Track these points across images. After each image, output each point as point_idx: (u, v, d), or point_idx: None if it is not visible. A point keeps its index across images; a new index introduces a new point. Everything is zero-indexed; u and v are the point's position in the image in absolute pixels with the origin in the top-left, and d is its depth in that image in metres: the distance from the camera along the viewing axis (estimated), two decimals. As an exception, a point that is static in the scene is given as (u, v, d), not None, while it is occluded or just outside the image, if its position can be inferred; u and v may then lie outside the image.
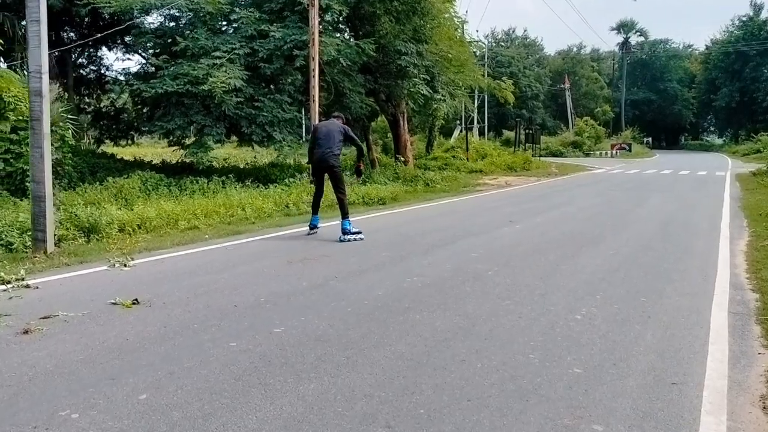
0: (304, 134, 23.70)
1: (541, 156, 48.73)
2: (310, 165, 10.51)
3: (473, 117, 53.32)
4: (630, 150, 52.96)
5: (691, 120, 78.43)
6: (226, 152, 32.36)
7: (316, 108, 14.69)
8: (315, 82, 14.68)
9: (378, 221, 10.73)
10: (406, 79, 18.22)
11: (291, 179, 15.59)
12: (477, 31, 44.63)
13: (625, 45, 74.96)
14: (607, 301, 5.25)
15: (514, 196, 16.19)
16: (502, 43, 74.64)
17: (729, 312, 4.99)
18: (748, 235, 9.03)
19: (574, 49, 77.28)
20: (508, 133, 53.41)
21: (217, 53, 15.28)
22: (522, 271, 6.41)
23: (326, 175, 8.88)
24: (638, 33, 74.73)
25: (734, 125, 67.50)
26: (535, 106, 69.99)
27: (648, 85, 77.20)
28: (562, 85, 63.67)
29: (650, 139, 69.50)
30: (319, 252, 7.40)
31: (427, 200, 15.02)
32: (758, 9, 63.38)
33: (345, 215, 8.53)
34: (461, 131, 46.53)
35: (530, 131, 38.28)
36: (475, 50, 57.35)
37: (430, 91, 18.03)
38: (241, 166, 20.65)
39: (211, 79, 14.32)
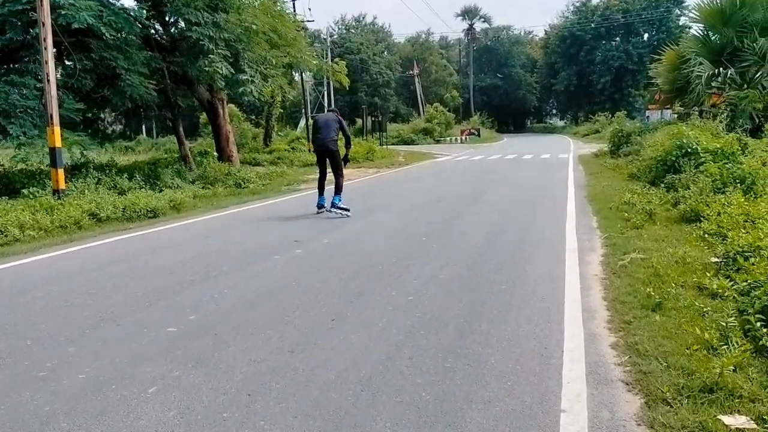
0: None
1: (390, 144, 46.98)
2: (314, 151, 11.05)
3: (323, 105, 50.37)
4: (479, 135, 52.90)
5: (535, 104, 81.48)
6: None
7: (52, 92, 10.69)
8: (48, 55, 10.67)
9: (98, 254, 7.22)
10: (202, 56, 14.63)
11: (38, 188, 11.50)
12: (310, 9, 40.81)
13: (470, 31, 75.82)
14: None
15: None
16: (353, 30, 72.23)
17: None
18: (600, 244, 6.74)
19: (423, 36, 76.92)
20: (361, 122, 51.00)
21: None
22: (237, 364, 3.35)
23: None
24: (482, 19, 75.96)
25: (574, 107, 70.70)
26: (387, 93, 68.59)
27: (494, 71, 78.89)
28: (411, 72, 62.62)
29: (490, 120, 70.11)
30: None
31: (221, 208, 11.66)
32: (589, -5, 66.47)
33: (338, 192, 9.74)
34: (307, 120, 43.50)
35: (376, 119, 35.90)
36: (325, 37, 54.40)
37: (232, 70, 14.58)
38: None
39: None
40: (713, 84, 18.00)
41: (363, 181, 17.03)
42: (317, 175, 10.48)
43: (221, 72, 14.14)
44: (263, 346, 3.74)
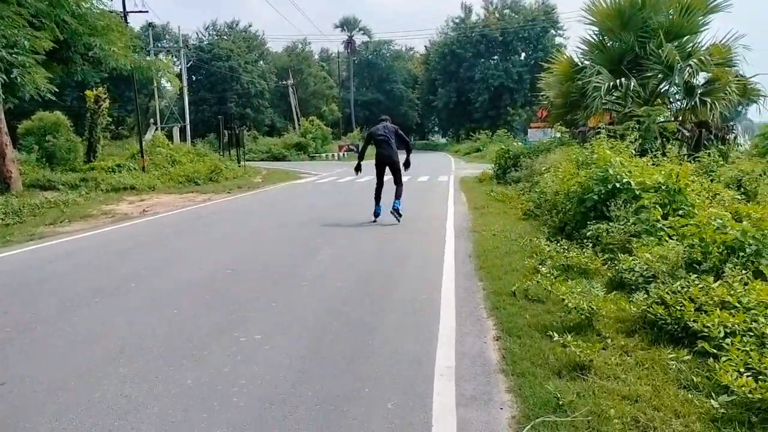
0: None
1: (260, 160, 41.95)
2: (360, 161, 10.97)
3: (175, 114, 44.31)
4: (358, 151, 49.13)
5: (417, 120, 79.49)
6: None
7: None
8: None
9: None
10: None
11: None
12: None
13: (350, 43, 72.43)
14: None
15: (75, 254, 8.32)
16: (225, 37, 66.39)
17: None
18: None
19: (300, 46, 72.49)
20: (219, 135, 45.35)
21: None
22: None
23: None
24: (362, 32, 72.77)
25: (455, 124, 69.19)
26: (261, 104, 63.52)
27: (376, 86, 76.11)
28: (285, 82, 57.93)
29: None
30: None
31: None
32: (468, 11, 65.36)
33: (398, 197, 10.20)
34: (156, 131, 37.42)
35: (233, 131, 30.85)
36: (182, 39, 48.04)
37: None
38: None
39: None
40: (608, 98, 15.03)
41: (165, 217, 12.08)
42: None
43: None
44: None
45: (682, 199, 7.01)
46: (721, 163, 11.04)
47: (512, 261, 6.69)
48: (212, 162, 23.87)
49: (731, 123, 15.44)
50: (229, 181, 22.38)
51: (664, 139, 14.22)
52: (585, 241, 6.93)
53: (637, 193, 7.13)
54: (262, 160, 43.00)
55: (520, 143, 23.34)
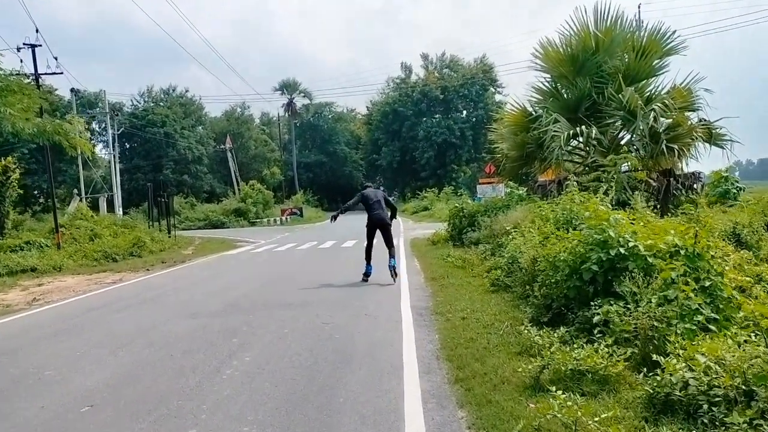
0: None
1: (197, 228, 39.42)
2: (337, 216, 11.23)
3: (103, 183, 41.40)
4: (302, 215, 47.17)
5: (362, 181, 78.45)
6: None
7: None
8: None
9: None
10: None
11: None
12: (56, 58, 32.01)
13: (290, 106, 71.43)
14: None
15: None
16: (161, 103, 64.12)
17: None
18: None
19: (239, 110, 70.95)
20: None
21: None
22: None
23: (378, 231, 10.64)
24: (302, 94, 71.96)
25: (400, 183, 68.30)
26: (200, 170, 60.95)
27: (319, 148, 75.00)
28: (223, 146, 55.91)
29: (316, 198, 64.74)
30: None
31: None
32: (408, 71, 65.63)
33: (392, 257, 10.45)
34: (79, 202, 34.46)
35: (162, 199, 28.42)
36: (110, 105, 45.50)
37: None
38: None
39: None
40: (567, 148, 13.77)
41: (55, 308, 9.64)
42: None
43: None
44: None
45: (704, 266, 5.36)
46: (711, 214, 9.66)
47: (497, 363, 4.82)
48: (134, 234, 21.32)
49: (698, 171, 14.42)
50: (154, 254, 19.93)
51: (634, 190, 12.94)
52: (591, 327, 5.15)
53: (650, 261, 5.46)
54: (199, 228, 40.45)
55: (470, 200, 22.01)
